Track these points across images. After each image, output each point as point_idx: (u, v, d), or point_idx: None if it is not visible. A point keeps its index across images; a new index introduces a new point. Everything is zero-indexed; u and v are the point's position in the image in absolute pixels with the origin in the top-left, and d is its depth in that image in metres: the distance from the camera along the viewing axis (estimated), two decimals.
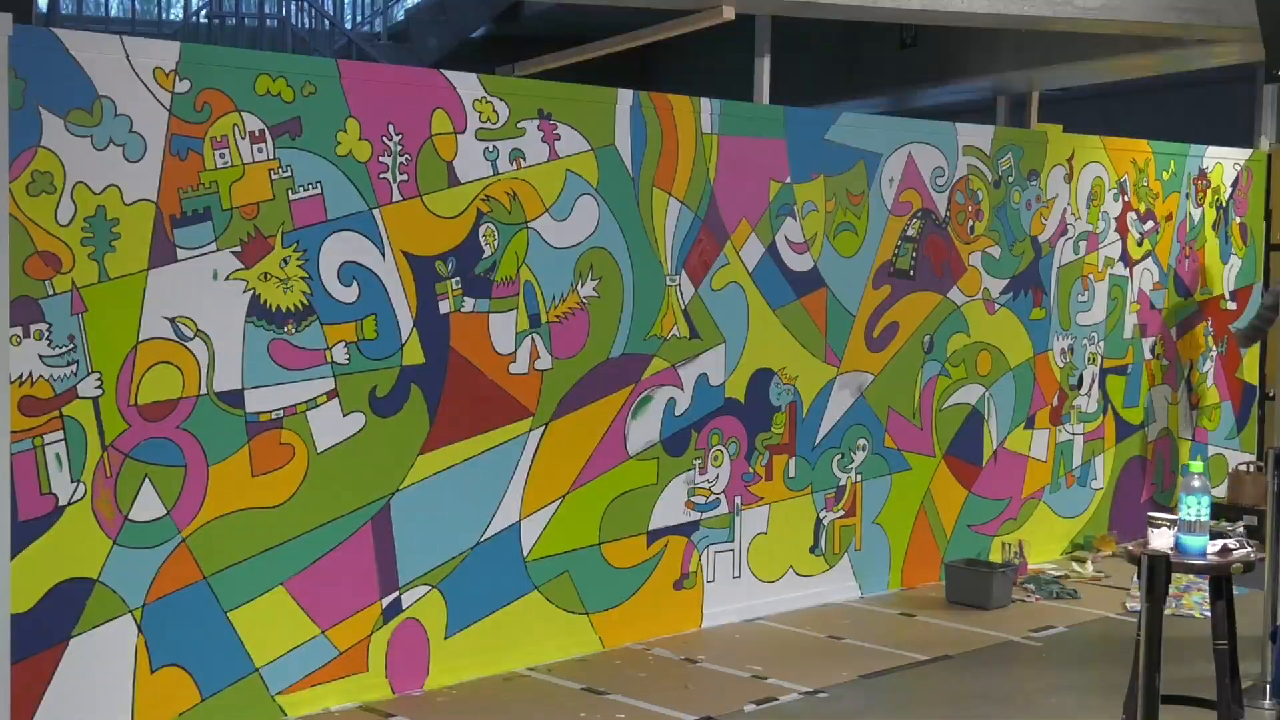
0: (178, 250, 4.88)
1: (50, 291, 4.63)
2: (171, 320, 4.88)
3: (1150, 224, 8.40)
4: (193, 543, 4.96)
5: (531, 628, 5.87)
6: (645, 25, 7.64)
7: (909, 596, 7.13)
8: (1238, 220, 8.92)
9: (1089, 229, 8.06)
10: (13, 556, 4.57)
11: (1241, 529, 6.93)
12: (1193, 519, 4.56)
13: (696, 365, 6.34)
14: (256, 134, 5.04)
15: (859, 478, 7.04)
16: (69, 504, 4.69)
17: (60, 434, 4.66)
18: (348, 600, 5.35)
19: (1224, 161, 8.82)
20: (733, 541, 6.53)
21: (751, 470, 6.59)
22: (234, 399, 5.03)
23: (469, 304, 5.59)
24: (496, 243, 5.68)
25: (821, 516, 6.88)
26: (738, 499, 6.53)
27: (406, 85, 5.49)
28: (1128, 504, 8.34)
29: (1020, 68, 10.20)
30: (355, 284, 5.31)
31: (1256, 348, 9.07)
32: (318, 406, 5.23)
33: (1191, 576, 6.46)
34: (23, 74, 4.55)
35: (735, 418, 6.52)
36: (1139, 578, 4.49)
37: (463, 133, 5.58)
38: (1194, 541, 4.53)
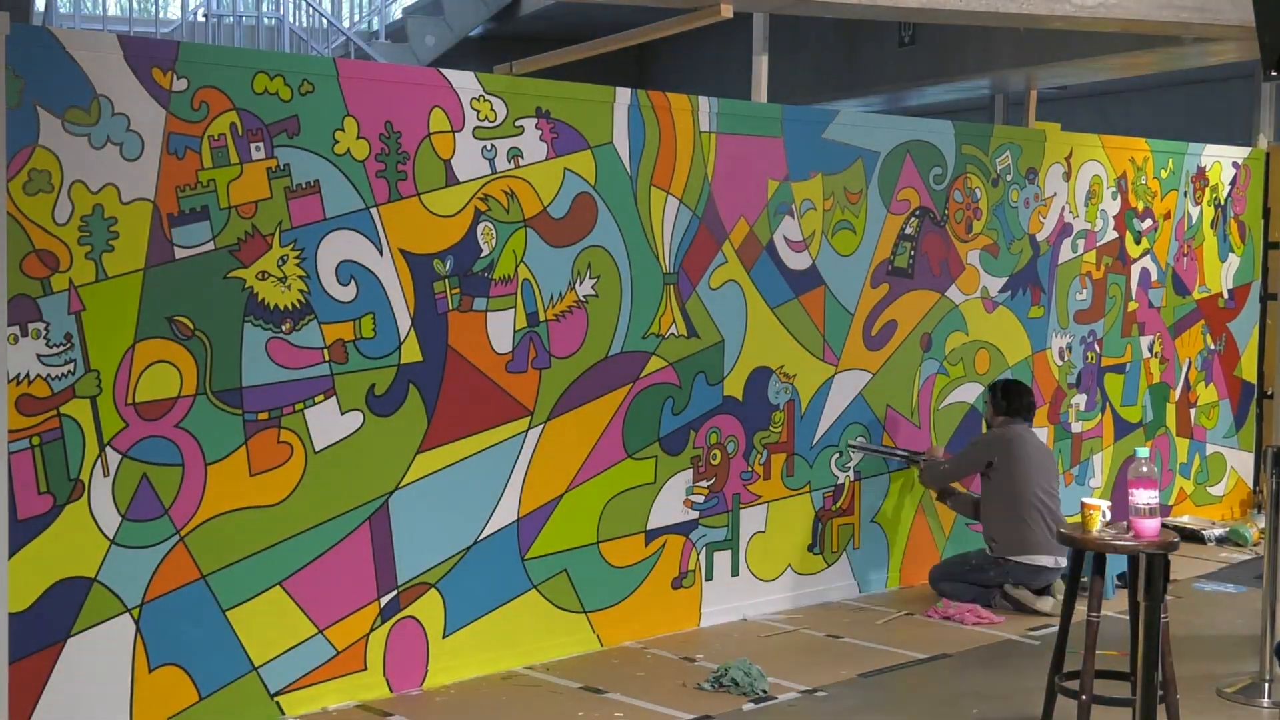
0: (175, 249, 4.88)
1: (48, 290, 4.62)
2: (169, 319, 4.88)
3: (1149, 222, 8.40)
4: (191, 542, 4.95)
5: (530, 626, 5.86)
6: (643, 23, 7.64)
7: (908, 595, 7.13)
8: (1235, 218, 8.93)
9: (1087, 227, 8.06)
10: (11, 555, 4.56)
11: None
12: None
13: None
14: (254, 133, 5.04)
15: (857, 476, 7.04)
16: (67, 503, 4.69)
17: (58, 433, 4.66)
18: (346, 599, 5.35)
19: (1222, 160, 8.82)
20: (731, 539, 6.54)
21: (750, 469, 6.59)
22: (232, 398, 5.03)
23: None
24: (495, 241, 5.68)
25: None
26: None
27: (404, 84, 5.48)
28: (1125, 503, 8.31)
29: (1018, 66, 10.21)
30: (353, 282, 5.31)
31: (1254, 346, 9.07)
32: (316, 405, 5.23)
33: None
34: (20, 73, 4.55)
35: (734, 416, 6.51)
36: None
37: (460, 131, 5.57)
38: None
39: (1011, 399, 6.94)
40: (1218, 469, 8.99)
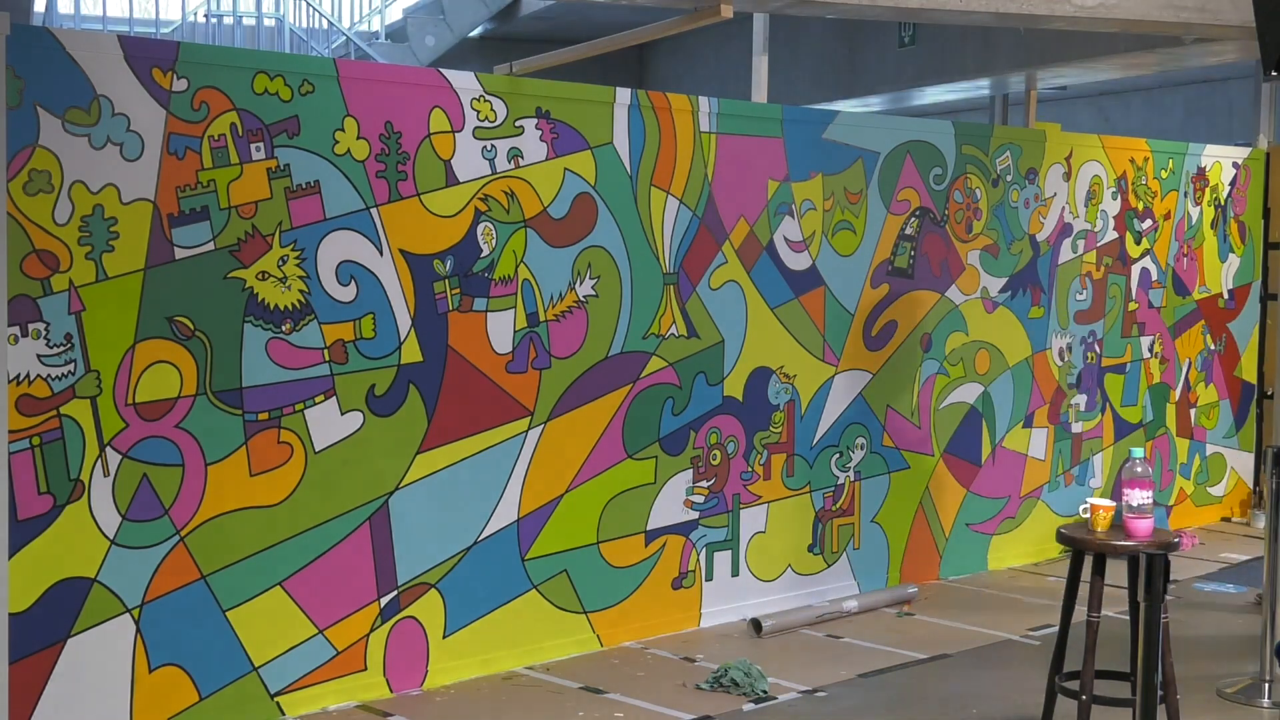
0: (175, 249, 4.88)
1: (48, 290, 4.62)
2: (169, 319, 4.88)
3: (1149, 222, 8.40)
4: (191, 542, 4.96)
5: (530, 627, 5.87)
6: (643, 23, 7.64)
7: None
8: (1236, 218, 8.93)
9: (1087, 227, 8.06)
10: (11, 556, 4.57)
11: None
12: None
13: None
14: (254, 133, 5.04)
15: (857, 476, 7.04)
16: (67, 503, 4.69)
17: (58, 433, 4.66)
18: (346, 599, 5.35)
19: (1222, 160, 8.82)
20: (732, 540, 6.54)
21: (750, 469, 6.59)
22: (232, 398, 5.03)
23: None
24: (495, 241, 5.68)
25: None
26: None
27: (404, 84, 5.48)
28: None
29: (1018, 66, 10.21)
30: (353, 283, 5.31)
31: (1254, 346, 9.07)
32: (316, 405, 5.23)
33: None
34: (20, 73, 4.55)
35: (734, 417, 6.51)
36: None
37: (460, 131, 5.57)
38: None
39: None
40: (1218, 469, 8.99)
